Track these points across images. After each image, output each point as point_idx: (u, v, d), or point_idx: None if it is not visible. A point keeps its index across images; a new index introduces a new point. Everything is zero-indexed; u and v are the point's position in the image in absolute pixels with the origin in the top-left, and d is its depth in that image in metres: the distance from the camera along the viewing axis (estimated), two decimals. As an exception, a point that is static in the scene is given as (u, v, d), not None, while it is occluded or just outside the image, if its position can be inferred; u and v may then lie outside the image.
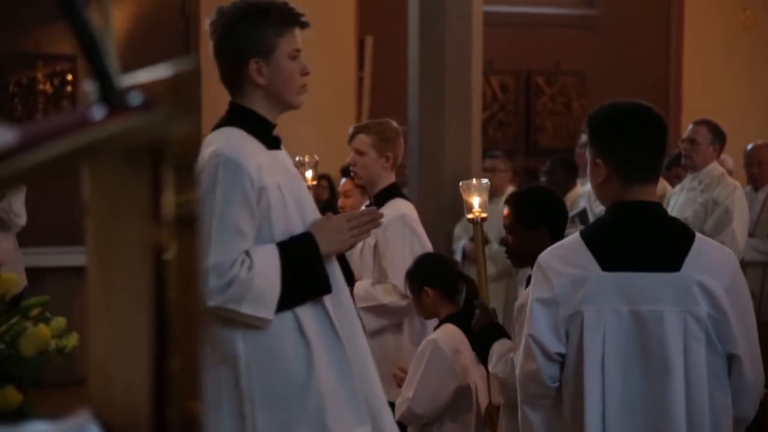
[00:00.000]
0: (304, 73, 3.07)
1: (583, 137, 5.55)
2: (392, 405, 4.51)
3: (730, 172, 6.86)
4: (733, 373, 2.78)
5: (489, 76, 10.32)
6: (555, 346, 2.78)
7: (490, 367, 3.69)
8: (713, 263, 2.78)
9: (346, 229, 3.09)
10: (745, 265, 6.46)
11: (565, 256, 2.81)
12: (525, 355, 2.82)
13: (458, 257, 7.10)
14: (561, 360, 2.81)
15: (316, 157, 5.11)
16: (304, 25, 3.07)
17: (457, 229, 7.43)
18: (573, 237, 2.90)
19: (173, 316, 1.09)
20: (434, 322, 4.57)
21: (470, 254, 7.05)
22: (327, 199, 8.26)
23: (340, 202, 5.34)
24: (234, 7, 3.04)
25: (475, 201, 3.84)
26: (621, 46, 10.71)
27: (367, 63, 10.14)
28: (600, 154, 2.83)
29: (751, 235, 6.54)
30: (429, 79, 7.42)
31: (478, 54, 7.53)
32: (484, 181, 3.95)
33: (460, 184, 3.95)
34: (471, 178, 6.76)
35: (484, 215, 3.82)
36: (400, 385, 4.27)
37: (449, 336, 4.19)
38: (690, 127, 6.50)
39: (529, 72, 10.82)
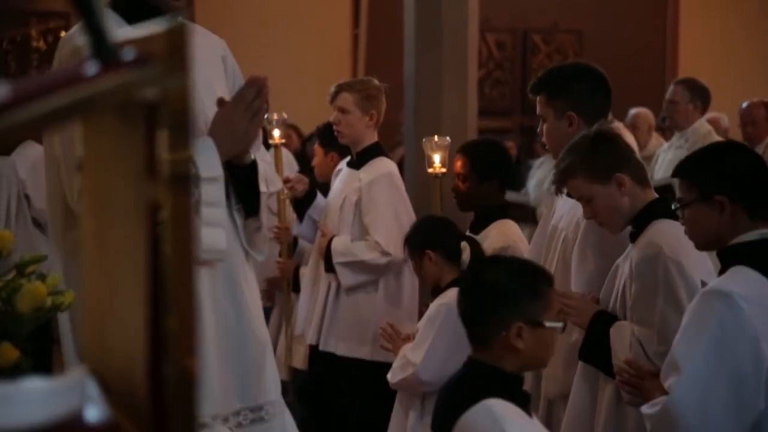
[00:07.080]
0: None
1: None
2: (361, 361, 4.46)
3: (725, 131, 6.85)
4: None
5: (485, 34, 10.26)
6: None
7: None
8: None
9: (239, 120, 2.71)
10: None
11: None
12: None
13: None
14: None
15: (285, 114, 5.12)
16: None
17: None
18: None
19: (169, 272, 1.09)
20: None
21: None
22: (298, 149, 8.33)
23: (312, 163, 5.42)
24: None
25: (437, 158, 4.37)
26: (618, 5, 10.65)
27: (362, 20, 10.08)
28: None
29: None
30: (425, 37, 7.37)
31: (475, 11, 7.48)
32: (446, 138, 4.43)
33: (423, 140, 4.41)
34: (467, 136, 6.79)
35: (443, 170, 4.35)
36: (386, 339, 4.08)
37: None
38: (670, 87, 6.53)
39: (526, 30, 10.77)
